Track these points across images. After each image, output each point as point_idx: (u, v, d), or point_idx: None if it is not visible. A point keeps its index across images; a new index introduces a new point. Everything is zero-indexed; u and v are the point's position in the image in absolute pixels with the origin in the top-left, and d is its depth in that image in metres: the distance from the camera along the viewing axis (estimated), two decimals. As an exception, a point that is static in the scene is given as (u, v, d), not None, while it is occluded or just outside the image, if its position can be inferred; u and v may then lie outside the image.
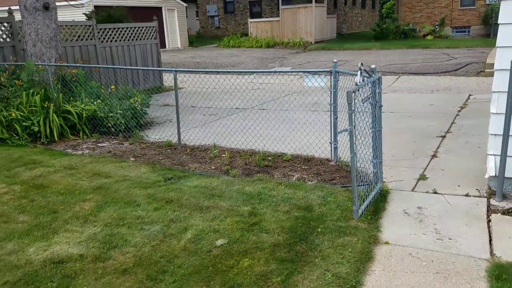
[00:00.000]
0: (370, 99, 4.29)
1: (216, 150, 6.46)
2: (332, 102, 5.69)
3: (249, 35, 27.90)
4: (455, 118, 8.08)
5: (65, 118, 7.50)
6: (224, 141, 6.87)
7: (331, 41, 27.07)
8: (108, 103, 7.92)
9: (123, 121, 7.74)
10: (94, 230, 3.96)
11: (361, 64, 4.08)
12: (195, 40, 31.40)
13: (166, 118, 8.92)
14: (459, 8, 25.51)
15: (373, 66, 4.40)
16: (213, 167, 5.83)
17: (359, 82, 3.88)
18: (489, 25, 24.33)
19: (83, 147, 6.98)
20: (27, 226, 4.10)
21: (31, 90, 7.51)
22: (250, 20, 28.02)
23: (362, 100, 4.02)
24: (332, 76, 5.61)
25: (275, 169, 5.69)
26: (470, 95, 10.34)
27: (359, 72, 3.98)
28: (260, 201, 4.43)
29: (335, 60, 5.58)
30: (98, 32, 11.59)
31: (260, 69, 17.99)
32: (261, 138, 6.70)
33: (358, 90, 3.87)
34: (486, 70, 13.84)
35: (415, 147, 6.37)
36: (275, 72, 5.88)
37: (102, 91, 8.45)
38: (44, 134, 7.08)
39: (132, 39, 12.61)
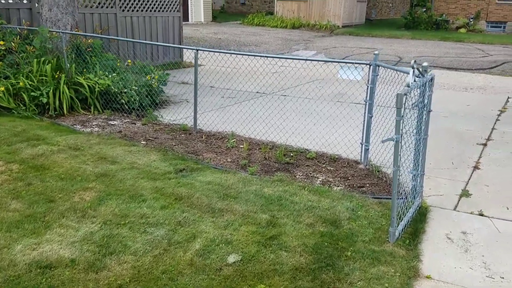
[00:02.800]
0: (419, 102, 3.69)
1: (233, 140, 5.92)
2: (368, 98, 5.08)
3: (275, 14, 26.98)
4: (495, 123, 7.39)
5: (76, 90, 7.00)
6: (242, 130, 6.32)
7: (359, 26, 26.05)
8: (124, 78, 7.41)
9: (137, 99, 7.23)
10: (92, 228, 3.49)
11: (414, 61, 3.47)
12: (219, 15, 30.57)
13: (183, 97, 8.38)
14: (497, 1, 24.20)
15: (425, 63, 3.78)
16: (229, 160, 5.30)
17: (412, 83, 3.28)
18: (528, 22, 23.08)
19: (93, 123, 6.49)
20: (18, 216, 3.64)
21: (43, 58, 7.00)
22: (276, -2, 27.05)
23: (412, 105, 3.43)
24: (371, 70, 4.98)
25: (297, 167, 5.14)
26: (509, 97, 9.58)
27: (411, 71, 3.37)
28: (280, 208, 3.90)
29: (376, 52, 4.94)
30: (120, 0, 11.00)
31: (284, 51, 17.27)
32: (283, 131, 6.13)
33: (409, 93, 3.28)
34: (525, 71, 12.96)
35: (454, 154, 5.75)
36: (306, 59, 5.25)
37: (118, 64, 7.92)
38: (53, 106, 6.61)
39: (155, 10, 11.99)
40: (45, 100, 6.53)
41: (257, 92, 8.88)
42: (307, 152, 5.59)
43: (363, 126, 5.22)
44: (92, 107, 7.03)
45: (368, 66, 5.00)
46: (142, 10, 11.61)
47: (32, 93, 6.55)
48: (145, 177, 4.44)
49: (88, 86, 6.92)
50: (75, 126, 6.35)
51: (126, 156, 5.00)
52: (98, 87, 6.93)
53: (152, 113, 7.08)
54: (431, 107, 3.92)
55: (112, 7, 10.84)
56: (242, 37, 21.03)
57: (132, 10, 11.34)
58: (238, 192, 4.18)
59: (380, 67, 4.92)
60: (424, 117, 3.87)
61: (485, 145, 6.20)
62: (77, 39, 7.98)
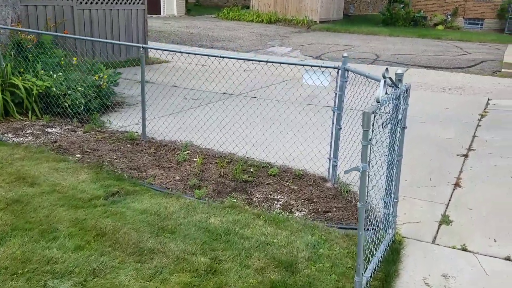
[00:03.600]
0: (392, 118, 3.03)
1: (186, 152, 5.20)
2: (336, 107, 4.41)
3: (251, 8, 26.19)
4: (476, 129, 6.84)
5: (12, 93, 6.15)
6: (200, 138, 5.60)
7: (337, 22, 25.48)
8: (67, 78, 6.58)
9: (83, 101, 6.42)
10: (-21, 279, 2.73)
11: (386, 70, 2.79)
12: (193, 8, 29.60)
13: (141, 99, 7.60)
14: (475, -2, 23.96)
15: (399, 71, 3.12)
16: (177, 177, 4.57)
17: (382, 97, 2.61)
18: (504, 19, 22.87)
19: (27, 132, 5.67)
20: None
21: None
22: (252, -8, 26.23)
23: (382, 124, 2.76)
24: (339, 74, 4.31)
25: (257, 186, 4.44)
26: (489, 99, 9.08)
27: (382, 81, 2.70)
28: (226, 246, 3.20)
29: (345, 54, 4.25)
30: (76, -9, 10.09)
31: (258, 48, 16.56)
32: (246, 139, 5.42)
33: (379, 110, 2.61)
34: (503, 70, 12.55)
35: (432, 167, 5.14)
36: (267, 61, 4.55)
37: (62, 63, 7.05)
38: (-21, 112, 5.76)
39: (116, 2, 11.10)
40: (-32, 105, 5.66)
41: (224, 93, 8.15)
42: (269, 167, 4.90)
43: (331, 139, 4.55)
44: (30, 112, 6.19)
45: (336, 70, 4.33)
46: (102, 3, 10.71)
47: (-45, 97, 5.68)
48: (65, 204, 3.67)
49: (25, 88, 6.08)
50: (6, 134, 5.51)
51: (51, 175, 4.21)
52: (36, 89, 6.10)
53: (98, 118, 6.29)
54: (406, 123, 3.27)
55: (67, -1, 9.93)
56: (215, 32, 20.20)
57: (91, 3, 10.44)
58: (178, 224, 3.46)
59: (348, 72, 4.25)
60: (398, 135, 3.21)
61: (466, 156, 5.62)
62: (19, 34, 7.11)
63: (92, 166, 4.55)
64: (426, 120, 7.20)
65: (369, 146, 2.53)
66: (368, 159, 2.56)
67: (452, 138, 6.31)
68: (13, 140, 5.32)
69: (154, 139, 5.72)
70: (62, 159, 4.65)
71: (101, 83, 6.78)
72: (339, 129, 4.43)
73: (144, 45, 5.05)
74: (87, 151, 5.05)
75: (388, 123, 2.90)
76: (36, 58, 6.71)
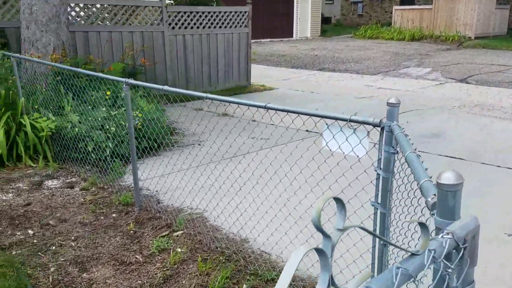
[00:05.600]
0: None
1: (176, 233, 3.55)
2: (379, 208, 2.28)
3: (393, 24, 23.49)
4: None
5: (26, 134, 5.32)
6: (221, 205, 3.92)
7: (498, 37, 21.16)
8: (100, 115, 5.53)
9: (110, 145, 5.28)
10: None
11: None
12: (331, 29, 28.00)
13: (203, 137, 6.26)
14: None
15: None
16: None
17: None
18: None
19: (15, 185, 4.63)
20: None
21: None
22: (395, 7, 23.52)
23: None
24: (383, 137, 2.21)
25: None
26: None
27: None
28: None
29: (392, 100, 2.15)
30: (169, 16, 9.37)
31: (389, 69, 14.10)
32: (278, 219, 3.54)
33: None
34: None
35: None
36: (265, 107, 2.64)
37: (108, 96, 6.07)
38: (-17, 157, 4.99)
39: (214, 26, 10.12)
40: (-32, 150, 4.91)
41: (307, 131, 6.19)
42: (272, 271, 2.97)
43: (373, 265, 2.42)
44: (40, 157, 5.25)
45: (379, 128, 2.23)
46: (198, 27, 9.81)
47: (-42, 140, 4.99)
48: None
49: (36, 128, 5.18)
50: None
51: None
52: (47, 131, 5.14)
53: (118, 168, 5.06)
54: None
55: (158, 24, 9.24)
56: (343, 53, 18.24)
57: (185, 27, 9.61)
58: None
59: (399, 134, 2.11)
60: None
61: None
62: (64, 63, 6.38)
63: (23, 257, 3.20)
64: None
65: None
66: None
67: None
68: (-4, 198, 4.32)
69: (159, 202, 4.21)
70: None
71: (137, 123, 5.59)
72: (384, 245, 2.28)
73: (127, 80, 3.60)
74: (48, 225, 3.76)
75: None
76: (69, 90, 5.81)
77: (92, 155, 5.26)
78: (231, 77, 10.94)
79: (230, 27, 10.50)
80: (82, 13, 7.92)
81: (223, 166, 4.84)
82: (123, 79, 3.68)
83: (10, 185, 4.61)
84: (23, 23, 6.15)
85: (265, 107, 2.68)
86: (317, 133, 6.38)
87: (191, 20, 9.69)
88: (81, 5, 7.88)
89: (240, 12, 10.64)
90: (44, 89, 5.72)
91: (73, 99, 5.81)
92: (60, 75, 6.01)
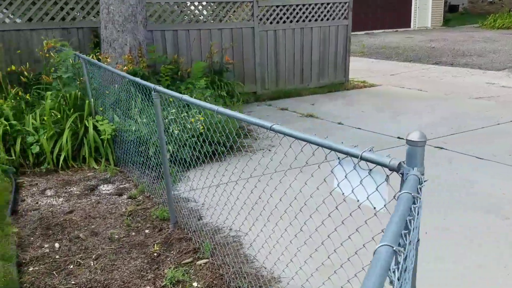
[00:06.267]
0: None
1: (201, 261, 3.12)
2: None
3: (531, 10, 20.29)
4: None
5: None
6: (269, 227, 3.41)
7: None
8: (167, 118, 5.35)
9: (170, 148, 5.08)
10: None
11: None
12: (456, 18, 25.21)
13: (279, 141, 5.80)
14: None
15: None
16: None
17: None
18: None
19: (70, 189, 4.56)
20: None
21: (62, 91, 5.53)
22: (536, -11, 20.23)
23: None
24: (403, 184, 1.49)
25: None
26: None
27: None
28: None
29: (413, 137, 1.42)
30: (260, 11, 9.02)
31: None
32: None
33: None
34: None
35: None
36: (270, 129, 2.04)
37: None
38: (50, 158, 5.07)
39: (310, 20, 9.52)
40: (36, 150, 5.02)
41: (399, 138, 5.45)
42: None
43: None
44: (103, 159, 5.22)
45: (400, 174, 1.51)
46: (291, 21, 9.29)
47: (29, 139, 5.12)
48: None
49: (98, 131, 5.15)
50: (47, 190, 4.56)
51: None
52: (107, 134, 5.07)
53: (175, 174, 4.82)
54: None
55: (248, 20, 8.94)
56: (465, 45, 16.19)
57: (277, 22, 9.17)
58: None
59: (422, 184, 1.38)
60: None
61: None
62: (140, 63, 6.34)
63: (36, 276, 3.04)
64: None
65: None
66: None
67: None
68: (36, 201, 4.32)
69: (200, 219, 3.82)
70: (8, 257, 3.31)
71: (197, 126, 5.29)
72: None
73: (155, 87, 3.24)
74: (78, 238, 3.59)
75: None
76: (139, 92, 5.72)
77: (153, 159, 5.10)
78: (326, 73, 10.22)
79: (328, 19, 9.77)
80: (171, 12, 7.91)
81: (288, 178, 4.24)
82: (152, 85, 3.34)
83: (65, 189, 4.61)
84: (102, 23, 6.24)
85: (270, 129, 2.09)
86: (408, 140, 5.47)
87: (284, 14, 9.19)
88: (171, 3, 7.87)
89: (340, 3, 9.84)
90: (117, 90, 5.71)
91: (142, 100, 5.72)
92: (138, 76, 5.97)
